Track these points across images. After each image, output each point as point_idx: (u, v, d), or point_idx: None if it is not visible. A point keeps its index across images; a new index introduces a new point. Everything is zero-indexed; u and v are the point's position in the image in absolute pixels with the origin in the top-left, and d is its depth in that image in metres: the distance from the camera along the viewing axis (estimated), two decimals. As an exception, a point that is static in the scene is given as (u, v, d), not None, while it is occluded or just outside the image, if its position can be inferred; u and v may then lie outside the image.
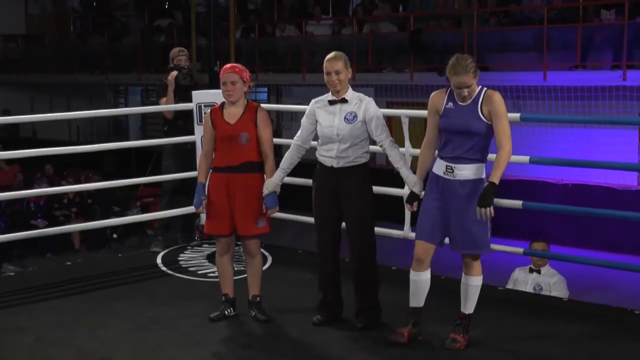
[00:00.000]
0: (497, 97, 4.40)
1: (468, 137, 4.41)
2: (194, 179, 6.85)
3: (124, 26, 21.28)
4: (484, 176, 4.47)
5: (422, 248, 4.56)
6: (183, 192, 6.96)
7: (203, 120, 5.13)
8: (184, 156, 7.02)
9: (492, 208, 4.35)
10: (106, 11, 22.49)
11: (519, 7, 13.99)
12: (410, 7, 15.65)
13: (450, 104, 4.48)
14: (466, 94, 4.40)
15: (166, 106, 7.02)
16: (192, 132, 6.92)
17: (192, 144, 6.92)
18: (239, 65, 5.04)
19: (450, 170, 4.45)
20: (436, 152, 4.64)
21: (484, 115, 4.40)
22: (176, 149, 7.06)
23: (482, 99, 4.43)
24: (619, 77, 11.96)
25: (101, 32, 21.28)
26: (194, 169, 6.85)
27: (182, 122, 7.02)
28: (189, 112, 6.95)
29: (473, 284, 4.56)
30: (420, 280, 4.60)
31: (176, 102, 7.00)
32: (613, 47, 12.28)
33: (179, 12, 19.35)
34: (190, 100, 6.91)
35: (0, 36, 22.84)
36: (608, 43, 12.40)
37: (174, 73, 7.03)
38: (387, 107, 13.64)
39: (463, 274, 4.60)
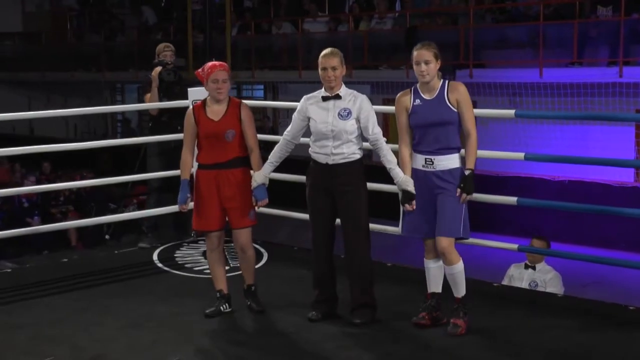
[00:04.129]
0: (462, 87, 4.68)
1: (442, 128, 4.63)
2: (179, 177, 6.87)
3: (120, 24, 21.27)
4: (461, 164, 4.68)
5: (429, 241, 4.78)
6: (169, 189, 6.97)
7: (185, 118, 5.11)
8: (169, 154, 6.99)
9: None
10: (103, 9, 22.47)
11: (514, 4, 14.00)
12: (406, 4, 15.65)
13: (418, 101, 4.70)
14: (424, 68, 4.60)
15: (162, 103, 6.96)
16: (176, 129, 6.91)
17: (176, 142, 6.91)
18: (225, 64, 5.08)
19: (430, 162, 4.64)
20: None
21: (452, 105, 4.63)
22: (160, 146, 7.01)
23: (448, 90, 4.66)
24: (616, 73, 11.97)
25: (98, 30, 21.28)
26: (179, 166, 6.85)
27: (167, 119, 6.98)
28: (174, 109, 6.92)
29: (455, 271, 4.67)
30: (430, 268, 4.83)
31: (160, 98, 6.95)
32: (609, 43, 12.29)
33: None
34: (174, 97, 6.89)
35: (-3, 34, 22.85)
36: (604, 39, 12.41)
37: (158, 69, 6.95)
38: (384, 104, 13.65)
39: (444, 266, 4.71)
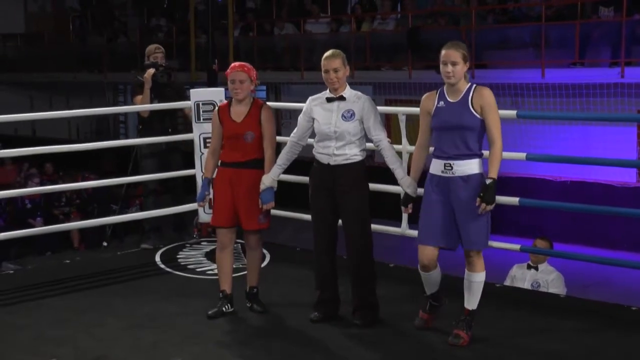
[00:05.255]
0: (488, 92, 4.50)
1: (462, 133, 4.46)
2: (176, 179, 6.91)
3: (123, 25, 21.29)
4: (482, 170, 4.52)
5: (425, 254, 4.58)
6: (165, 192, 6.98)
7: (212, 118, 5.19)
8: (162, 156, 7.00)
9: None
10: (105, 10, 22.50)
11: (516, 5, 13.99)
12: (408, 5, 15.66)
13: (442, 103, 4.55)
14: (450, 69, 4.44)
15: (164, 104, 6.96)
16: (167, 131, 6.92)
17: (168, 144, 6.93)
18: (247, 64, 5.09)
19: (449, 168, 4.48)
20: (431, 151, 4.68)
21: (475, 111, 4.47)
22: (152, 148, 7.00)
23: (472, 95, 4.50)
24: (617, 74, 11.96)
25: (100, 31, 21.30)
26: (172, 169, 6.89)
27: (158, 121, 6.98)
28: (165, 111, 6.93)
29: (476, 280, 4.58)
30: (429, 277, 4.71)
31: (152, 100, 6.94)
32: (611, 44, 12.27)
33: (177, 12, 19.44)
34: (166, 99, 6.90)
35: (0, 35, 22.85)
36: (606, 40, 12.39)
37: (151, 70, 6.92)
38: (386, 104, 13.68)
39: (466, 270, 4.61)
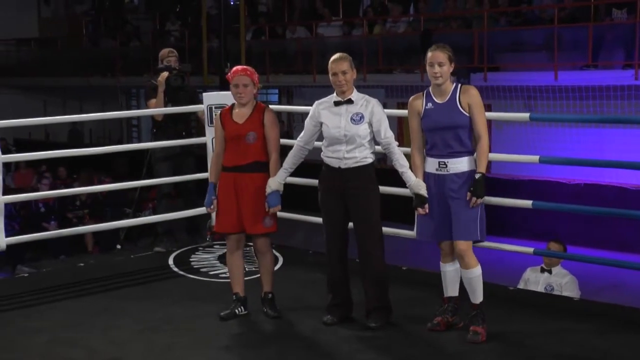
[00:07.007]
0: (474, 90, 4.67)
1: (454, 132, 4.62)
2: (188, 183, 6.93)
3: (135, 29, 21.39)
4: (474, 167, 4.66)
5: (444, 244, 4.79)
6: (178, 195, 7.00)
7: (214, 122, 5.20)
8: (176, 160, 7.01)
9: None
10: (118, 14, 22.61)
11: (529, 7, 13.97)
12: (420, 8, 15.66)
13: (430, 105, 4.70)
14: (437, 70, 4.59)
15: (177, 108, 6.99)
16: (181, 135, 6.94)
17: (182, 147, 6.95)
18: (249, 68, 5.11)
19: (444, 166, 4.64)
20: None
21: (464, 109, 4.62)
22: (166, 152, 7.02)
23: (459, 94, 4.64)
24: (631, 76, 11.93)
25: (113, 36, 21.41)
26: (186, 172, 6.91)
27: (172, 124, 7.00)
28: (179, 115, 6.95)
29: (472, 275, 4.65)
30: (447, 271, 4.83)
31: (165, 103, 6.97)
32: (624, 46, 12.24)
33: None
34: (179, 102, 6.92)
35: (14, 40, 23.03)
36: (619, 42, 12.36)
37: (165, 74, 6.94)
38: (398, 107, 13.65)
39: (461, 269, 4.69)
